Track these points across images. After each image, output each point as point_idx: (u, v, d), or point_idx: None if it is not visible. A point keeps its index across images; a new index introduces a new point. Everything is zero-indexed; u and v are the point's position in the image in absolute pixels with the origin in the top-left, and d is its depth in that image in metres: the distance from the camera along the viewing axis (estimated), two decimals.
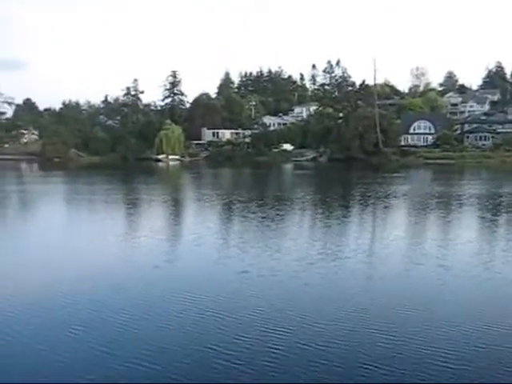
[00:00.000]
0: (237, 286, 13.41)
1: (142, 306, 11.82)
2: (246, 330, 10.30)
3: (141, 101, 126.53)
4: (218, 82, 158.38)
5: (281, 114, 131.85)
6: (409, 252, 17.68)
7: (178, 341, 9.89)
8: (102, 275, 14.94)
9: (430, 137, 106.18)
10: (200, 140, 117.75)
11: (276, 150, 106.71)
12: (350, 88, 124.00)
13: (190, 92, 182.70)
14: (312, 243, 19.32)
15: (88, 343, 9.76)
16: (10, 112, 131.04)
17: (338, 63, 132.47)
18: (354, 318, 10.99)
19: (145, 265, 16.08)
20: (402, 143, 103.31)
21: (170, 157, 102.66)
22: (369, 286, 13.60)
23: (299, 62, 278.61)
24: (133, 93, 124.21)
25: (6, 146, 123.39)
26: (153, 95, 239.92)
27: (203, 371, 8.60)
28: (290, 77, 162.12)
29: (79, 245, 19.90)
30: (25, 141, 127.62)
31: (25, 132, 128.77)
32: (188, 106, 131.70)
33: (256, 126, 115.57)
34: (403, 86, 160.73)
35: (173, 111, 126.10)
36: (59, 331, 10.39)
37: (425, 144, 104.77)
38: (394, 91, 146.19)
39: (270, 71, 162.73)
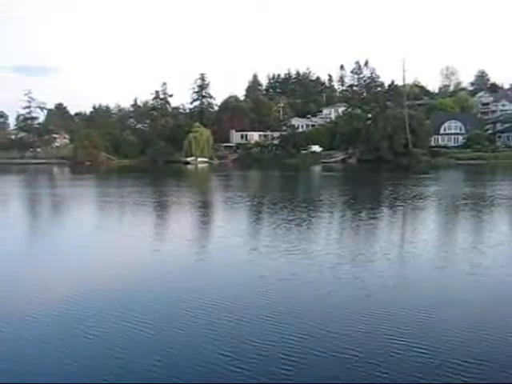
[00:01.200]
0: (257, 290, 13.30)
1: (161, 308, 11.90)
2: (263, 335, 10.22)
3: (170, 104, 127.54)
4: (245, 85, 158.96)
5: (309, 116, 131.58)
6: (436, 255, 17.40)
7: (196, 344, 9.89)
8: (124, 276, 15.02)
9: (460, 137, 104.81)
10: (228, 142, 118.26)
11: (304, 152, 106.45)
12: (378, 89, 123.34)
13: (219, 95, 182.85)
14: (337, 246, 19.16)
15: (107, 345, 9.86)
16: (42, 117, 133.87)
17: (366, 64, 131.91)
18: (376, 323, 10.85)
19: (167, 267, 16.18)
20: (432, 144, 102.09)
21: (199, 159, 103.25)
22: (394, 292, 13.33)
23: (327, 64, 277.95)
24: (162, 96, 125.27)
25: (39, 150, 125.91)
26: (181, 98, 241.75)
27: (217, 374, 8.61)
28: (318, 78, 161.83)
29: (105, 246, 20.18)
30: (57, 145, 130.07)
31: (56, 136, 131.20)
32: (216, 108, 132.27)
33: (284, 128, 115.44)
34: (433, 86, 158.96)
35: (201, 114, 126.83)
36: (86, 330, 10.52)
37: (455, 144, 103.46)
38: (424, 91, 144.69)
39: (297, 73, 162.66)
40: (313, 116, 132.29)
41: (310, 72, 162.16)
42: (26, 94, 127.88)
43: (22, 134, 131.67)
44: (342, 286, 13.63)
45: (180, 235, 22.25)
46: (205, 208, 34.49)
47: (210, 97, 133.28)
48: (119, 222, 27.93)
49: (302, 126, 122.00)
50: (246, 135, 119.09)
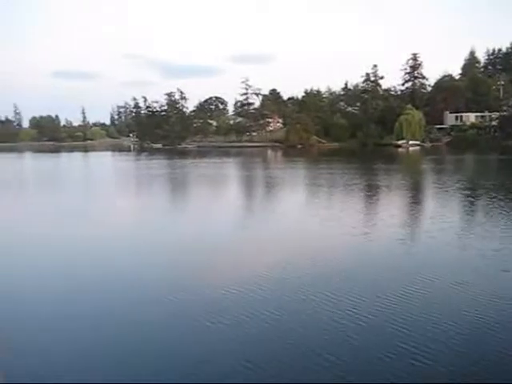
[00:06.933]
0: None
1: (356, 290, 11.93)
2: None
3: (380, 86, 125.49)
4: (461, 63, 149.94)
5: None
6: None
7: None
8: (325, 255, 15.31)
9: None
10: (442, 124, 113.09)
11: None
12: None
13: (432, 74, 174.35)
14: None
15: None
16: (257, 102, 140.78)
17: None
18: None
19: (370, 249, 16.38)
20: None
21: (410, 142, 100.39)
22: None
23: None
24: (372, 79, 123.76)
25: (254, 134, 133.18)
26: (392, 80, 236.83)
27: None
28: None
29: (306, 227, 20.79)
30: (270, 129, 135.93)
31: (270, 120, 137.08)
32: (429, 89, 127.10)
33: (505, 108, 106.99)
34: None
35: (413, 95, 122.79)
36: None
37: None
38: None
39: None
40: None
41: None
42: (243, 82, 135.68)
43: (239, 119, 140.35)
44: None
45: (387, 217, 22.13)
46: (416, 192, 33.66)
47: (423, 77, 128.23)
48: (328, 204, 28.43)
49: None
50: (461, 116, 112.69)
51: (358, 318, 10.40)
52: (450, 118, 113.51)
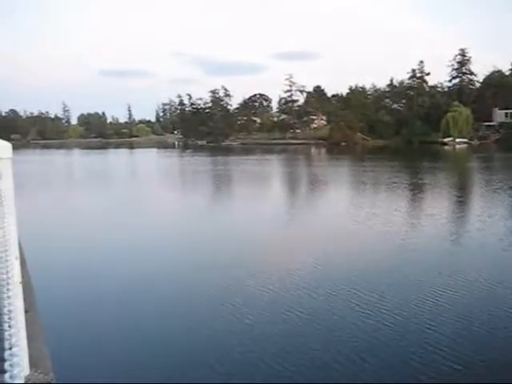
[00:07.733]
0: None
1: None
2: None
3: (426, 83, 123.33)
4: None
5: None
6: None
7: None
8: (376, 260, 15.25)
9: None
10: (490, 121, 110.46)
11: None
12: None
13: (480, 70, 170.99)
14: None
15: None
16: (301, 99, 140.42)
17: None
18: None
19: (411, 248, 16.29)
20: None
21: (457, 140, 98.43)
22: None
23: None
24: (418, 75, 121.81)
25: (298, 131, 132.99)
26: (439, 76, 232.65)
27: None
28: None
29: (344, 226, 20.73)
30: (314, 126, 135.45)
31: (314, 118, 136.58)
32: (478, 85, 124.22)
33: None
34: None
35: (460, 92, 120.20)
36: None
37: None
38: None
39: None
40: None
41: None
42: (287, 79, 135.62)
43: (283, 117, 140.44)
44: None
45: (429, 216, 21.89)
46: (460, 192, 33.10)
47: (471, 73, 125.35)
48: (370, 203, 28.20)
49: None
50: (511, 113, 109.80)
51: (394, 318, 10.35)
52: (499, 115, 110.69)
